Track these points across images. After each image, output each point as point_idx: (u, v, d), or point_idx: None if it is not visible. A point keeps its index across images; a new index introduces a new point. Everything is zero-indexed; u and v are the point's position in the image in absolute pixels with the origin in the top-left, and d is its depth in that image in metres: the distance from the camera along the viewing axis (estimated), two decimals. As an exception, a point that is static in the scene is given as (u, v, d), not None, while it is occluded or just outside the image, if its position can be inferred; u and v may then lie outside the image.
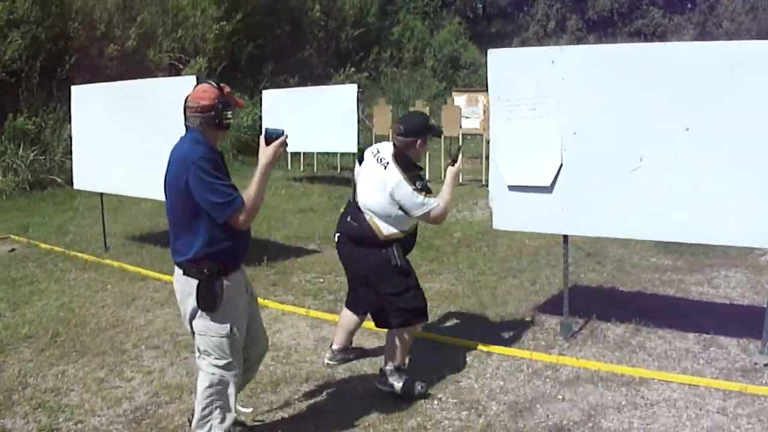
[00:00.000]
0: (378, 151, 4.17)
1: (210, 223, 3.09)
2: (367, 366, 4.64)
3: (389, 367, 4.18)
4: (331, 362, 4.62)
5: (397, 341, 4.16)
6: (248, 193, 3.09)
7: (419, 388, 4.15)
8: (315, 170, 14.96)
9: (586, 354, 4.74)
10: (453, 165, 4.34)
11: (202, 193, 3.03)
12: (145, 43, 15.38)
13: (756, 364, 4.46)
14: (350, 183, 12.00)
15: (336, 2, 20.02)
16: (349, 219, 4.18)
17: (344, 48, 19.96)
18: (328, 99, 11.71)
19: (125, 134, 7.15)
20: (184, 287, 3.19)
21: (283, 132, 3.16)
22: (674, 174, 4.34)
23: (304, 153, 14.52)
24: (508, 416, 3.91)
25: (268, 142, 3.13)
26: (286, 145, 3.19)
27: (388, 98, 17.95)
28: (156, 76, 14.28)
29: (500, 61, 4.88)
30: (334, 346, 4.64)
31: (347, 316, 4.60)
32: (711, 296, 6.00)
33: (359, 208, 4.13)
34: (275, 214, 9.98)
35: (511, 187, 4.86)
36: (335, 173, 14.62)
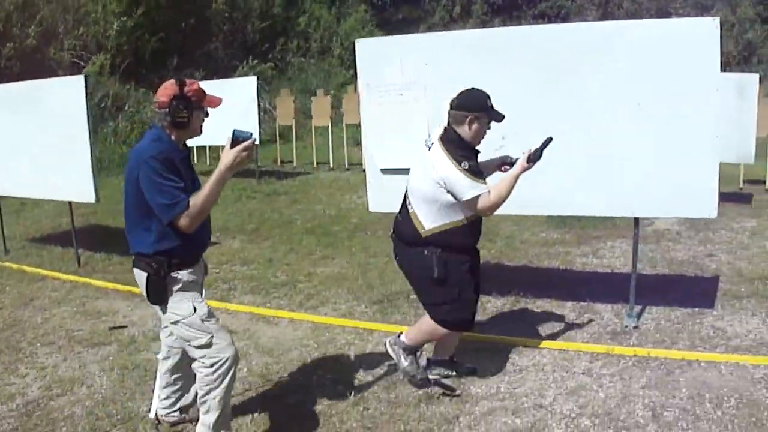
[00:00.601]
0: (429, 135, 3.90)
1: (161, 221, 3.03)
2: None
3: (405, 340, 4.03)
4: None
5: (426, 326, 3.95)
6: (196, 198, 2.99)
7: (418, 378, 4.03)
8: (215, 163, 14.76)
9: (496, 329, 4.96)
10: (530, 162, 3.81)
11: (149, 192, 2.99)
12: (46, 41, 14.95)
13: (626, 327, 4.84)
14: (256, 174, 12.11)
15: (240, -6, 19.89)
16: (398, 213, 3.95)
17: (251, 40, 19.84)
18: (229, 92, 11.57)
19: (22, 136, 7.05)
20: (137, 279, 3.19)
21: (251, 135, 2.99)
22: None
23: (210, 147, 14.38)
24: (381, 389, 4.10)
25: (233, 145, 2.96)
26: (254, 148, 3.07)
27: (295, 88, 17.96)
28: (58, 75, 13.91)
29: (368, 49, 5.07)
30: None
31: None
32: (594, 266, 6.39)
33: (406, 201, 3.88)
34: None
35: (384, 170, 5.03)
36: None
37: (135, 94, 15.43)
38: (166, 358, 3.56)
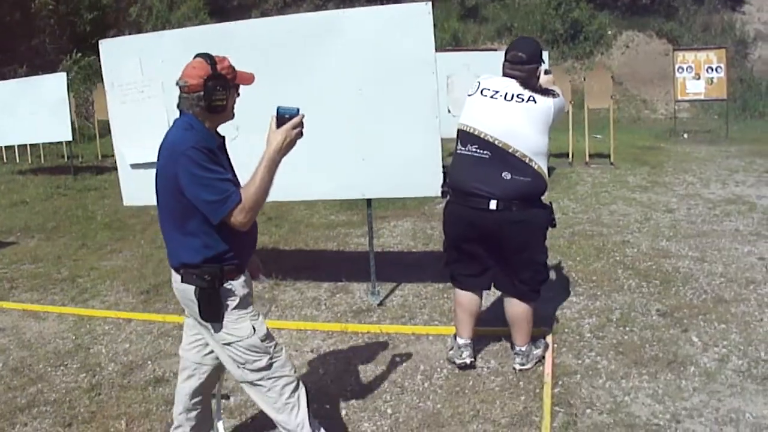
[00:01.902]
0: (497, 90, 3.66)
1: (206, 222, 2.60)
2: None
3: (522, 346, 3.92)
4: (468, 360, 3.97)
5: (527, 313, 3.87)
6: (248, 189, 2.58)
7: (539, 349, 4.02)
8: (43, 161, 14.41)
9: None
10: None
11: (193, 190, 2.55)
12: None
13: (371, 304, 5.16)
14: (71, 171, 11.84)
15: (67, -14, 19.16)
16: (506, 176, 3.56)
17: (80, 32, 19.16)
18: (38, 90, 11.38)
19: None
20: (183, 295, 2.74)
21: (298, 111, 2.65)
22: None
23: (30, 145, 13.93)
24: (118, 374, 4.27)
25: (279, 124, 2.63)
26: (302, 126, 2.68)
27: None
28: None
29: (111, 49, 5.16)
30: (463, 340, 4.01)
31: (471, 299, 3.99)
32: (366, 247, 6.69)
33: (517, 158, 3.56)
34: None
35: (133, 166, 5.22)
36: (63, 162, 14.12)
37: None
38: (189, 377, 3.02)
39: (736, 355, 4.01)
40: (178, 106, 2.73)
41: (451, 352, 4.08)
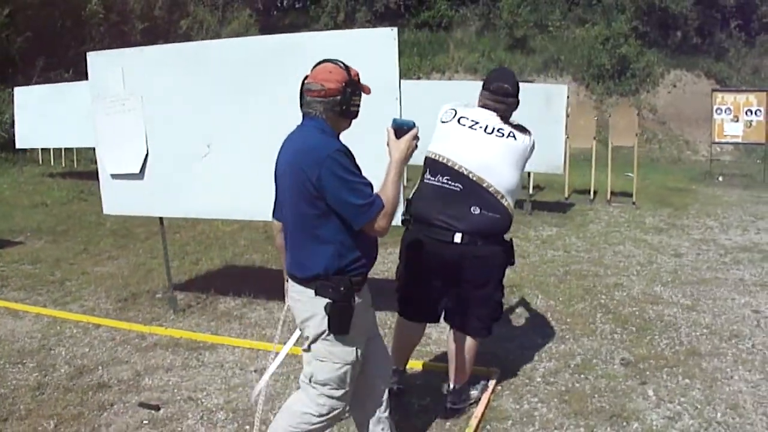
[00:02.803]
0: (477, 122, 3.57)
1: (340, 229, 2.59)
2: None
3: (457, 385, 3.81)
4: (395, 387, 3.83)
5: (472, 350, 3.73)
6: (386, 194, 2.57)
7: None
8: (75, 166, 14.87)
9: (187, 324, 5.27)
10: None
11: (340, 194, 2.52)
12: None
13: None
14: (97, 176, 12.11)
15: (119, -4, 19.88)
16: (474, 210, 3.47)
17: (131, 41, 19.73)
18: (74, 95, 11.64)
19: None
20: (308, 307, 2.66)
21: (414, 124, 2.74)
22: (241, 159, 4.86)
23: (65, 149, 14.38)
24: (67, 376, 4.34)
25: (397, 135, 2.70)
26: (418, 138, 2.73)
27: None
28: None
29: (97, 62, 5.28)
30: (399, 368, 3.94)
31: (414, 329, 3.90)
32: None
33: (490, 194, 3.47)
34: (2, 209, 10.09)
35: (113, 176, 5.31)
36: (93, 167, 14.45)
37: (2, 95, 15.28)
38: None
39: (690, 414, 3.80)
40: (303, 109, 2.72)
41: None
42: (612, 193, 11.29)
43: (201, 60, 4.91)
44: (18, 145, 12.98)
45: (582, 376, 4.30)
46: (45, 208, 10.18)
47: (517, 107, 3.67)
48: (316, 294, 2.61)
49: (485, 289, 3.60)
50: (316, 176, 2.50)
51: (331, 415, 2.75)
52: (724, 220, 9.57)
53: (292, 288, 2.71)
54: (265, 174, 4.70)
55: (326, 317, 2.59)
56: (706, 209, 10.48)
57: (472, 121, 3.58)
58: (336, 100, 2.63)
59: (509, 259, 3.66)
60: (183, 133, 5.00)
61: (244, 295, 5.83)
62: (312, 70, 2.71)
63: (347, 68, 2.67)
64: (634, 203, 10.77)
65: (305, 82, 2.69)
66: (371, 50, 4.36)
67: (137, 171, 5.15)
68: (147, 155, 5.12)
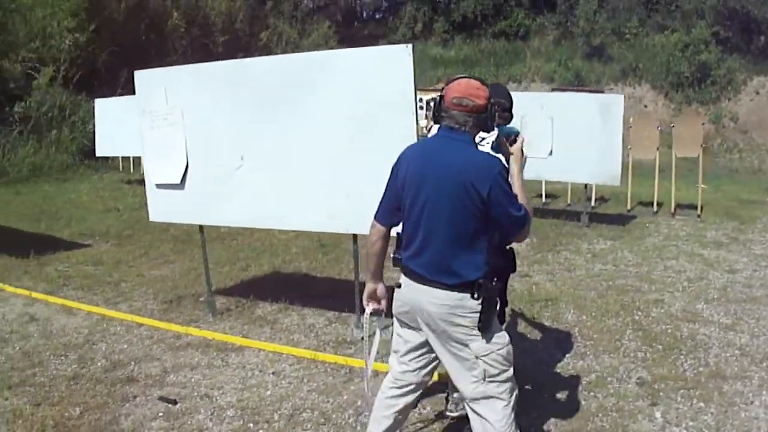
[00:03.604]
0: (483, 138, 3.50)
1: (489, 239, 2.78)
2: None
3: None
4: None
5: None
6: (527, 205, 2.83)
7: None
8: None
9: (221, 327, 5.54)
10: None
11: (506, 207, 2.71)
12: (2, 53, 15.79)
13: (356, 338, 5.19)
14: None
15: (201, 10, 20.68)
16: None
17: (213, 53, 20.55)
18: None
19: None
20: (457, 311, 2.78)
21: (519, 131, 2.97)
22: (271, 171, 5.11)
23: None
24: (101, 369, 4.72)
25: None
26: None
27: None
28: (10, 86, 14.85)
29: (144, 79, 5.66)
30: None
31: None
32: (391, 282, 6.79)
33: None
34: (78, 213, 10.83)
35: (158, 185, 5.65)
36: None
37: (86, 105, 16.23)
38: (404, 395, 3.06)
39: (694, 439, 3.74)
40: (445, 123, 2.83)
41: None
42: (678, 205, 10.95)
43: (235, 77, 5.16)
44: (98, 153, 13.88)
45: (592, 393, 4.27)
46: (116, 213, 10.79)
47: (511, 120, 3.71)
48: (475, 296, 2.75)
49: None
50: (487, 191, 2.66)
51: (516, 395, 2.92)
52: (793, 236, 9.14)
53: (431, 293, 2.80)
54: (294, 185, 4.99)
55: (474, 317, 2.75)
56: (775, 224, 10.04)
57: (479, 137, 3.66)
58: (484, 116, 2.79)
59: (510, 268, 3.68)
60: (219, 146, 5.29)
61: (281, 301, 6.05)
62: (452, 84, 2.83)
63: (487, 86, 2.84)
64: (699, 216, 10.43)
65: (454, 96, 2.79)
66: (388, 66, 4.53)
67: (178, 181, 5.47)
68: (187, 167, 5.42)
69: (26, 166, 14.56)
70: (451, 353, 2.85)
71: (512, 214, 2.71)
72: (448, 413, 3.88)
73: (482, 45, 24.36)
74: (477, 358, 2.80)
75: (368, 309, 3.19)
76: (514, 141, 2.90)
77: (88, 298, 6.42)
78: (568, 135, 9.12)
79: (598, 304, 6.07)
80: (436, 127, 3.01)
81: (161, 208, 5.73)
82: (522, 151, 2.89)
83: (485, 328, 2.77)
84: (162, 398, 4.21)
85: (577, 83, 19.89)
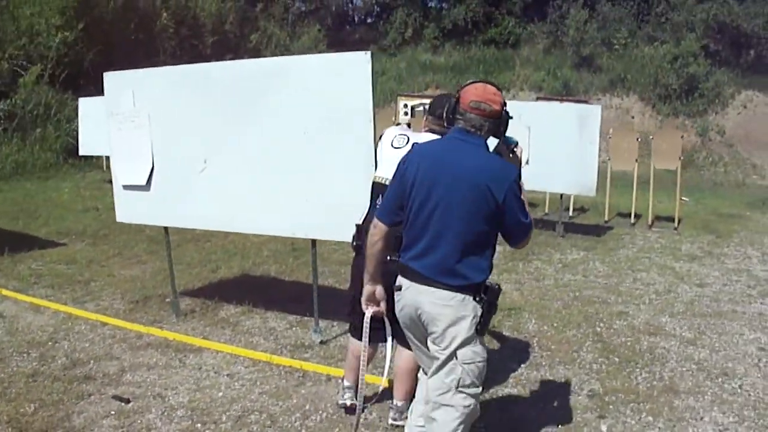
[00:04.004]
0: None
1: (494, 244, 2.85)
2: None
3: (401, 403, 3.88)
4: (348, 401, 4.07)
5: (416, 373, 3.69)
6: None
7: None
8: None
9: (183, 328, 5.57)
10: None
11: (517, 214, 2.77)
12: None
13: (314, 342, 5.28)
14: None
15: (190, 11, 20.75)
16: None
17: (202, 54, 20.57)
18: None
19: None
20: (458, 311, 2.80)
21: (517, 141, 3.04)
22: (232, 174, 5.13)
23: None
24: (61, 367, 4.76)
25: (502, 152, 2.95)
26: None
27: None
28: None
29: (113, 81, 5.68)
30: (347, 383, 4.13)
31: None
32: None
33: None
34: (57, 211, 10.85)
35: (125, 186, 5.67)
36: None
37: (71, 104, 16.24)
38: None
39: (635, 454, 3.77)
40: (461, 125, 2.87)
41: (338, 393, 4.16)
42: (657, 217, 11.04)
43: (198, 81, 5.20)
44: (81, 152, 13.89)
45: (540, 405, 4.31)
46: (95, 213, 10.77)
47: None
48: (474, 299, 2.79)
49: None
50: (503, 197, 2.71)
51: (475, 414, 2.93)
52: None
53: (435, 294, 2.81)
54: (255, 189, 5.01)
55: (475, 319, 2.78)
56: (751, 238, 10.07)
57: None
58: (498, 121, 2.84)
59: None
60: (183, 148, 5.31)
61: (245, 303, 6.08)
62: (469, 88, 2.87)
63: (500, 91, 2.90)
64: (675, 228, 10.49)
65: (471, 100, 2.83)
66: (347, 73, 4.56)
67: (144, 183, 5.49)
68: (153, 168, 5.44)
69: (9, 164, 14.54)
70: (434, 352, 2.88)
71: (522, 222, 2.78)
72: (391, 421, 3.91)
73: (472, 52, 24.43)
74: (458, 364, 2.80)
75: (368, 312, 3.20)
76: (513, 150, 2.96)
77: (56, 296, 6.43)
78: (544, 144, 9.12)
79: (561, 315, 6.11)
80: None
81: (128, 209, 5.75)
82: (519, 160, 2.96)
83: (482, 332, 2.82)
84: (115, 397, 4.25)
85: (565, 93, 19.97)
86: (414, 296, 2.87)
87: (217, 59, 20.99)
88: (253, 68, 5.09)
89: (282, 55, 23.04)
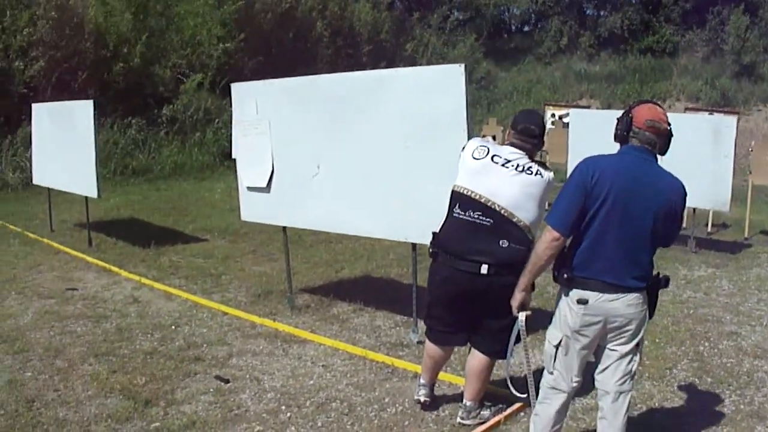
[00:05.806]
0: (509, 160, 3.82)
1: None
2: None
3: (471, 402, 4.11)
4: (422, 398, 4.32)
5: (486, 370, 4.08)
6: None
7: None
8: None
9: (295, 321, 6.05)
10: None
11: (678, 224, 3.23)
12: (155, 58, 17.54)
13: (411, 341, 5.55)
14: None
15: (346, 20, 21.75)
16: (503, 244, 3.72)
17: (358, 63, 21.32)
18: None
19: (61, 143, 9.06)
20: (642, 308, 3.18)
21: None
22: (341, 180, 5.56)
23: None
24: (176, 348, 5.36)
25: None
26: None
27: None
28: (159, 89, 16.45)
29: (238, 91, 6.30)
30: (423, 380, 4.34)
31: (440, 354, 4.25)
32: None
33: (519, 228, 3.72)
34: (206, 210, 11.90)
35: (248, 188, 6.27)
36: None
37: (230, 110, 17.54)
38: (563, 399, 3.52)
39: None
40: (648, 143, 3.11)
41: (416, 390, 4.39)
42: (808, 238, 10.29)
43: (312, 92, 5.67)
44: (233, 155, 14.94)
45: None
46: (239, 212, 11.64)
47: (541, 147, 3.97)
48: (648, 294, 3.18)
49: (510, 315, 3.74)
50: (681, 208, 3.13)
51: None
52: None
53: (628, 298, 3.12)
54: (359, 194, 5.38)
55: (648, 308, 3.21)
56: None
57: (505, 159, 3.84)
58: (666, 139, 3.12)
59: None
60: (299, 154, 5.80)
61: (357, 302, 6.48)
62: (641, 108, 3.16)
63: None
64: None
65: (647, 119, 3.08)
66: (442, 85, 4.80)
67: (264, 185, 6.04)
68: (273, 172, 5.98)
69: (169, 165, 15.91)
70: (616, 347, 3.24)
71: (677, 230, 3.21)
72: (459, 420, 4.12)
73: (628, 61, 23.65)
74: (637, 352, 3.22)
75: (521, 317, 3.52)
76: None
77: (188, 286, 7.17)
78: (676, 157, 8.78)
79: (667, 331, 5.96)
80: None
81: (251, 208, 6.34)
82: None
83: (652, 315, 3.24)
84: (217, 377, 4.77)
85: (723, 103, 18.87)
86: (605, 305, 3.13)
87: (373, 67, 22.10)
88: (356, 80, 5.52)
89: (438, 63, 23.55)
